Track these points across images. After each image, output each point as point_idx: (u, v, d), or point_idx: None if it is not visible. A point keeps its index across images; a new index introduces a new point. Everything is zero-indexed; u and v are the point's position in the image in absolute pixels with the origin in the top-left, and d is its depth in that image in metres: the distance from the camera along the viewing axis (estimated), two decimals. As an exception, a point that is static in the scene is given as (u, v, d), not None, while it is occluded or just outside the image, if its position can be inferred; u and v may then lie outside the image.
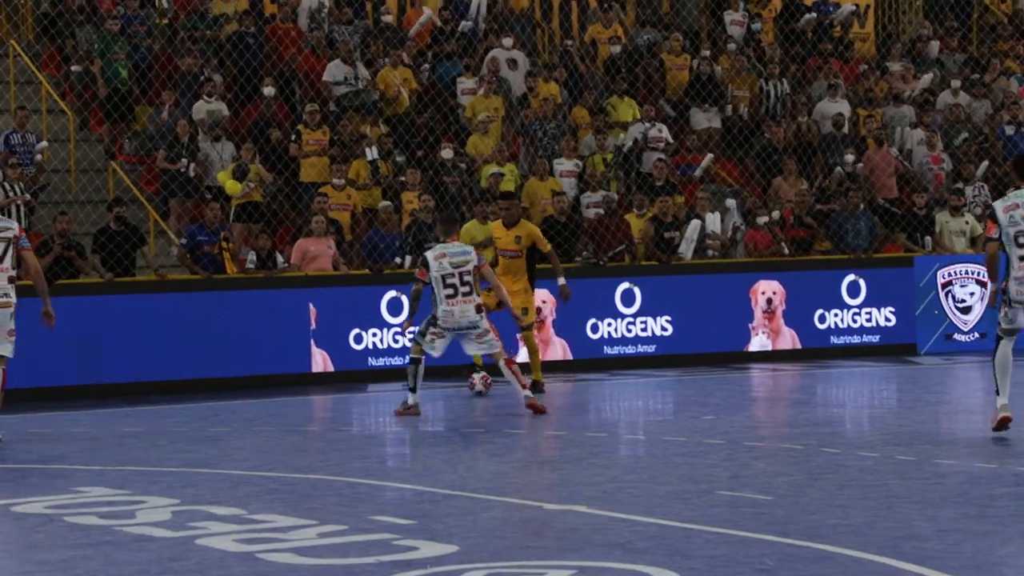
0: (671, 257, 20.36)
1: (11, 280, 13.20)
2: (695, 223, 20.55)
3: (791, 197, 21.63)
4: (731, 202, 21.75)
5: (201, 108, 20.90)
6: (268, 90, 21.37)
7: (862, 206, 21.52)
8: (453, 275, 14.76)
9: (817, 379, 18.50)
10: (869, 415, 15.19)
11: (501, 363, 14.89)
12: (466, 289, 14.79)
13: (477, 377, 16.67)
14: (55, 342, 17.27)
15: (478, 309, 14.84)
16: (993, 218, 12.29)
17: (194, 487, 10.60)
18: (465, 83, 22.74)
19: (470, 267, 14.84)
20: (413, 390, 14.81)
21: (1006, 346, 12.40)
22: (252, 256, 19.01)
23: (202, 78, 21.23)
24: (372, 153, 20.37)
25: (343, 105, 21.69)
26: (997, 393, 12.41)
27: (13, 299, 13.09)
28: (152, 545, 8.55)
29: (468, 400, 16.42)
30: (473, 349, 15.22)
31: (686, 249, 20.44)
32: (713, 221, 21.00)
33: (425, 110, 22.10)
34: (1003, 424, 12.38)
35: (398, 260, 19.39)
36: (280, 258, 19.17)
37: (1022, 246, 12.19)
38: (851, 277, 20.59)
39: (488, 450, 12.49)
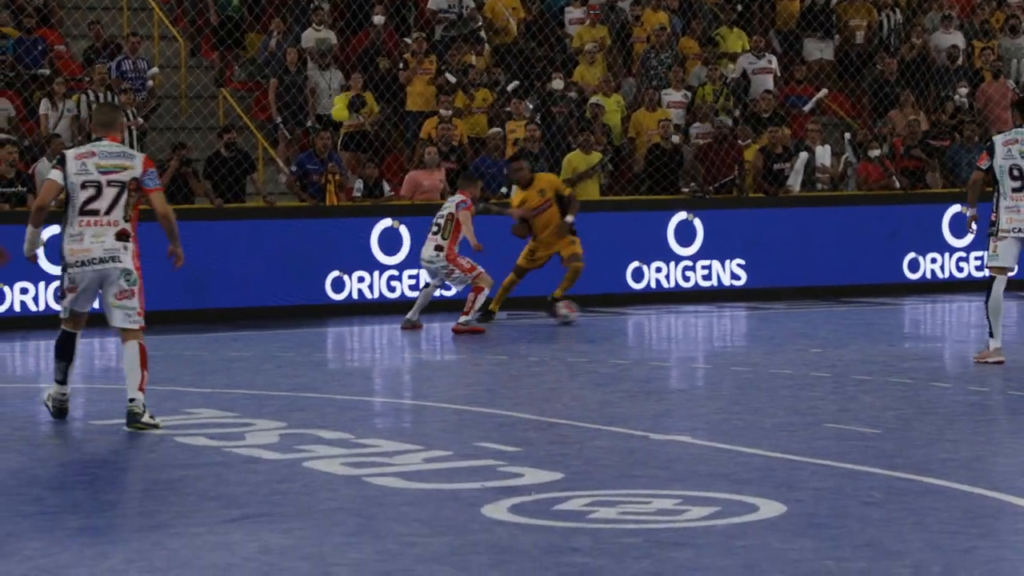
0: (779, 189, 20.18)
1: (122, 236, 10.17)
2: (804, 155, 20.34)
3: (902, 129, 21.33)
4: (846, 135, 21.49)
5: (310, 36, 20.96)
6: (378, 18, 21.37)
7: (976, 139, 21.17)
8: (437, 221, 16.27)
9: (926, 313, 18.29)
10: (978, 351, 14.99)
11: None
12: (434, 230, 16.28)
13: (561, 306, 16.70)
14: (164, 267, 17.47)
15: (436, 248, 16.19)
16: (990, 150, 12.70)
17: (301, 411, 10.71)
18: (573, 12, 22.60)
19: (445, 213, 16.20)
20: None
21: (998, 287, 12.62)
22: (359, 184, 19.09)
23: (312, 6, 21.28)
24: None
25: (449, 35, 21.65)
26: (991, 335, 12.66)
27: (125, 262, 10.12)
28: (261, 467, 8.65)
29: (568, 330, 16.42)
30: (455, 288, 16.95)
31: (794, 181, 20.25)
32: (823, 154, 20.77)
33: (533, 39, 22.00)
34: (992, 362, 12.67)
35: (503, 190, 19.37)
36: (387, 187, 19.23)
37: (1016, 179, 12.54)
38: (957, 208, 20.27)
39: (593, 379, 12.49)
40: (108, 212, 10.06)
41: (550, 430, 9.87)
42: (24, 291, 17.21)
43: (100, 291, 10.15)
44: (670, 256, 19.41)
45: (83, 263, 10.05)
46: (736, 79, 21.93)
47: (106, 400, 11.36)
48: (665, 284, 19.35)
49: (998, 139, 12.83)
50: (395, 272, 18.45)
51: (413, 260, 18.09)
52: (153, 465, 8.80)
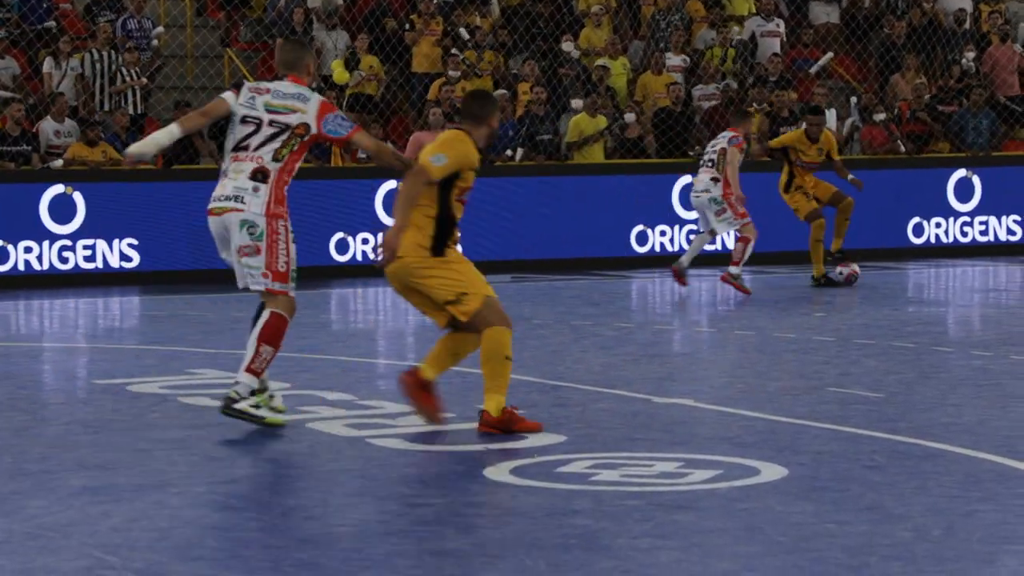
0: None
1: (258, 175, 8.59)
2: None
3: (908, 94, 21.27)
4: (852, 99, 21.43)
5: (317, -4, 20.91)
6: (383, -22, 21.32)
7: (983, 103, 21.12)
8: None
9: (930, 277, 18.28)
10: (982, 315, 15.00)
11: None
12: (708, 164, 16.06)
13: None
14: (169, 226, 17.51)
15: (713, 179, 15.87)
16: None
17: (306, 372, 10.72)
18: (580, -26, 22.54)
19: None
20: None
21: None
22: (364, 147, 19.04)
23: (318, -34, 21.23)
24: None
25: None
26: None
27: (250, 208, 8.51)
28: (263, 427, 8.66)
29: (572, 293, 16.42)
30: (720, 230, 16.48)
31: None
32: (830, 118, 20.70)
33: (540, 2, 21.93)
34: None
35: (508, 152, 19.34)
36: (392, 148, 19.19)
37: None
38: (963, 173, 20.20)
39: (597, 343, 12.49)
40: (257, 149, 8.57)
41: (553, 393, 9.89)
42: (28, 250, 17.23)
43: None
44: (675, 220, 19.38)
45: (212, 203, 8.65)
46: (744, 42, 21.85)
47: (108, 359, 11.37)
48: (670, 247, 19.33)
49: None
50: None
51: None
52: (156, 424, 8.82)
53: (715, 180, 15.99)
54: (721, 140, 16.20)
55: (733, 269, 15.96)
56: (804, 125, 17.04)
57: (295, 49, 8.94)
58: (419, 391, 8.51)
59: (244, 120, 8.69)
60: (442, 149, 8.45)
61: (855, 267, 16.71)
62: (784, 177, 16.83)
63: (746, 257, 16.01)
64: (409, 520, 6.61)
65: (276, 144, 8.57)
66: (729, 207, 15.98)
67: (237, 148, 8.66)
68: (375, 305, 16.55)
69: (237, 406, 8.41)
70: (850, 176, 16.80)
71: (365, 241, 18.29)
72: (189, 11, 21.48)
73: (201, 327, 13.61)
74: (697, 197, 16.21)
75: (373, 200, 18.36)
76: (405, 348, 12.94)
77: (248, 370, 8.46)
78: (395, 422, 8.77)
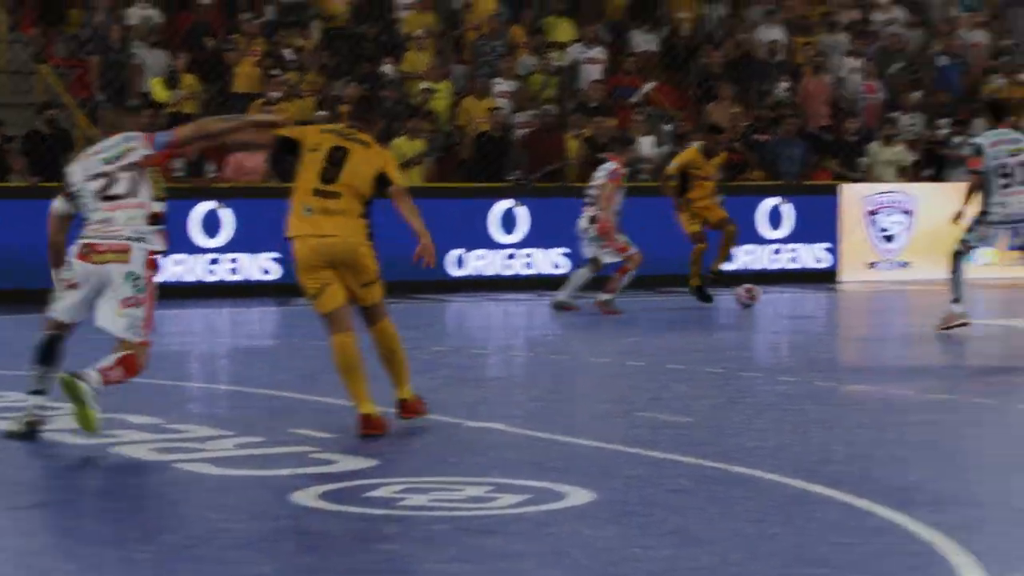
0: (603, 179, 20.31)
1: (150, 219, 8.98)
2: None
3: (724, 123, 21.63)
4: (667, 127, 21.74)
5: (135, 13, 20.62)
6: (204, -3, 21.13)
7: (795, 133, 21.58)
8: None
9: (738, 304, 18.57)
10: (790, 341, 15.30)
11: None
12: (588, 200, 16.42)
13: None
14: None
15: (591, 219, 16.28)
16: (979, 153, 14.10)
17: (111, 395, 10.52)
18: (404, -3, 22.56)
19: None
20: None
21: (964, 262, 14.29)
22: (179, 164, 18.83)
23: (137, -17, 20.95)
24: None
25: (279, 19, 21.47)
26: (956, 301, 14.15)
27: (136, 254, 8.79)
28: (66, 451, 8.51)
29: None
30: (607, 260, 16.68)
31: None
32: (647, 144, 21.00)
33: (363, 23, 21.91)
34: (956, 325, 14.11)
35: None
36: (209, 167, 19.01)
37: (1004, 176, 13.99)
38: (776, 202, 20.62)
39: (412, 366, 12.42)
40: (128, 196, 8.95)
41: (366, 416, 9.83)
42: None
43: None
44: (493, 244, 19.47)
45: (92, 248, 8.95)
46: (565, 68, 22.06)
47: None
48: (487, 272, 19.41)
49: (984, 141, 14.23)
50: (216, 256, 18.26)
51: (236, 243, 17.92)
52: (-44, 449, 8.61)
53: (593, 220, 16.31)
54: (601, 174, 16.42)
55: (604, 296, 16.27)
56: (696, 144, 17.60)
57: (118, 113, 10.04)
58: (412, 412, 9.37)
59: (96, 177, 9.03)
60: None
61: (755, 289, 17.35)
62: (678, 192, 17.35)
63: (621, 286, 16.34)
64: (214, 546, 6.53)
65: (140, 186, 8.94)
66: (608, 242, 16.30)
67: (107, 199, 8.94)
68: (189, 327, 16.35)
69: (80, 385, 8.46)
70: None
71: (179, 263, 18.06)
72: (2, 26, 21.04)
73: (8, 348, 13.31)
74: (582, 234, 16.54)
75: (186, 222, 18.14)
76: (217, 370, 12.81)
77: (102, 370, 8.65)
78: (203, 446, 8.67)
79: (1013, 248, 14.39)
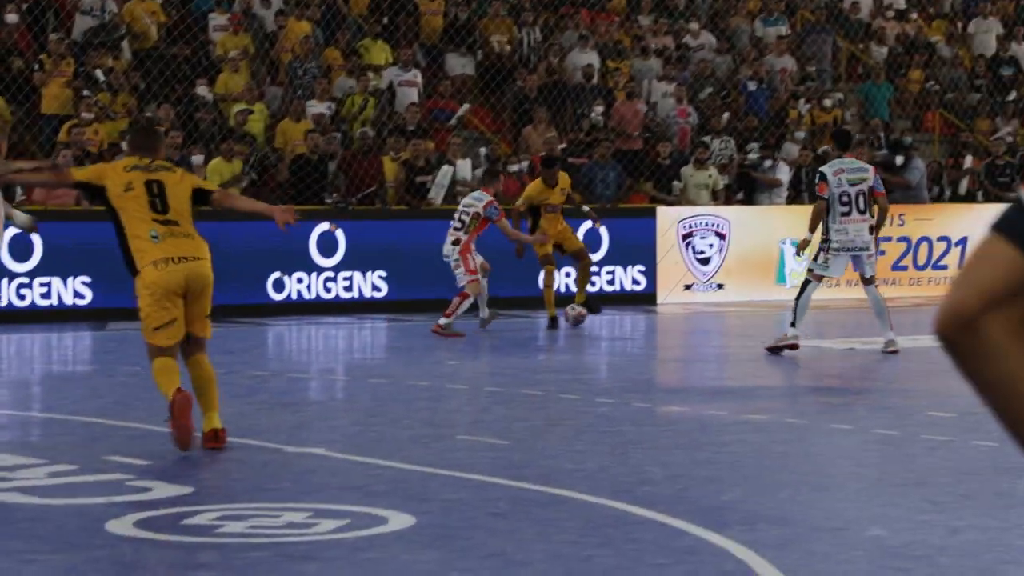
0: (421, 202, 20.39)
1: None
2: (446, 168, 20.61)
3: (540, 146, 21.83)
4: (483, 150, 21.86)
5: (-61, 33, 20.16)
6: (11, 17, 20.71)
7: (610, 157, 21.86)
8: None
9: (567, 326, 18.72)
10: (608, 362, 15.47)
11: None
12: (456, 225, 16.99)
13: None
14: None
15: (454, 243, 16.86)
16: (824, 181, 14.57)
17: (-80, 425, 10.27)
18: (217, 19, 22.37)
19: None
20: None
21: (812, 289, 14.66)
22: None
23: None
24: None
25: (88, 39, 21.13)
26: (793, 325, 14.49)
27: None
28: None
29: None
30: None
31: (436, 194, 20.49)
32: (464, 167, 21.09)
33: (175, 44, 21.68)
34: (786, 348, 14.54)
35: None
36: (19, 190, 18.62)
37: (844, 204, 14.47)
38: (591, 225, 20.84)
39: (230, 391, 12.33)
40: None
41: (182, 443, 9.71)
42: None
43: None
44: (312, 267, 19.38)
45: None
46: (382, 91, 22.07)
47: None
48: (306, 295, 19.31)
49: (828, 170, 14.71)
50: (26, 280, 17.90)
51: (46, 268, 17.58)
52: None
53: (456, 243, 16.78)
54: (476, 203, 16.84)
55: (443, 320, 16.48)
56: (539, 175, 18.13)
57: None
58: (222, 442, 9.25)
59: None
60: None
61: (582, 309, 17.77)
62: (530, 223, 17.81)
63: (459, 312, 16.52)
64: (26, 578, 6.40)
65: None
66: (464, 263, 16.73)
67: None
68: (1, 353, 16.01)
69: None
70: (585, 208, 18.42)
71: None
72: None
73: None
74: (446, 259, 16.96)
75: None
76: (29, 397, 12.54)
77: None
78: (13, 475, 8.49)
79: (863, 277, 14.80)
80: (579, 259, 18.19)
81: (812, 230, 14.75)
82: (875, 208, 14.73)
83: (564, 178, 17.98)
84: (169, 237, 9.15)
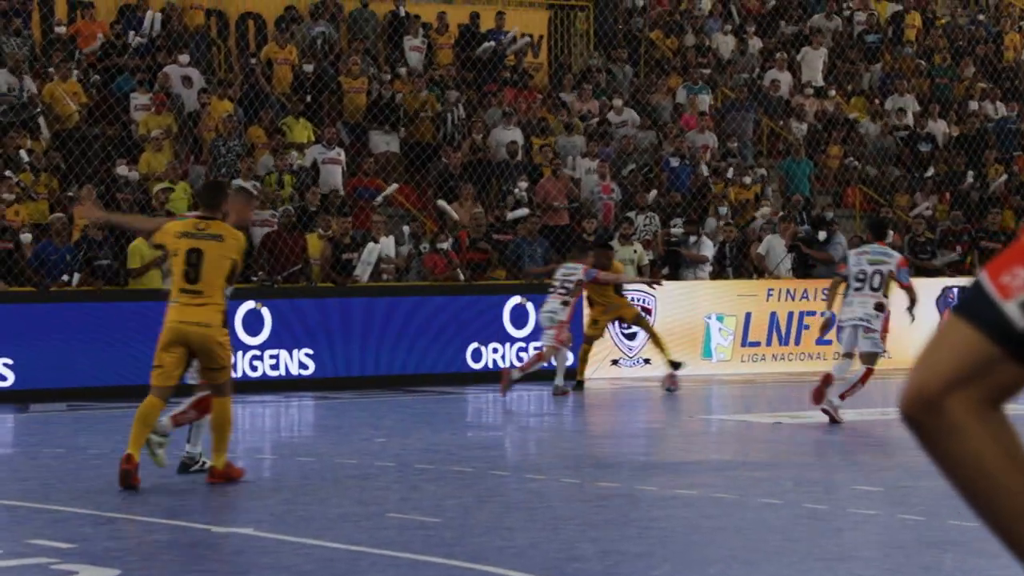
0: (347, 279, 20.35)
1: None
2: (371, 246, 20.60)
3: (466, 222, 21.88)
4: (406, 227, 21.88)
5: None
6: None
7: (536, 232, 21.93)
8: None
9: (485, 403, 18.71)
10: (537, 439, 15.46)
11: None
12: (563, 291, 18.73)
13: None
14: None
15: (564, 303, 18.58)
16: (845, 261, 15.74)
17: None
18: (139, 98, 22.31)
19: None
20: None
21: (838, 368, 15.33)
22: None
23: None
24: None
25: (7, 120, 21.01)
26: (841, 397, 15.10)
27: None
28: None
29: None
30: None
31: (362, 271, 20.47)
32: (388, 244, 21.09)
33: (97, 124, 21.59)
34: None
35: (65, 277, 18.85)
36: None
37: (858, 281, 15.22)
38: (518, 300, 20.88)
39: (155, 472, 12.22)
40: None
41: (108, 525, 9.60)
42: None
43: None
44: (238, 345, 19.25)
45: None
46: (306, 169, 22.06)
47: None
48: (233, 374, 19.11)
49: (851, 253, 15.99)
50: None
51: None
52: None
53: (565, 304, 18.42)
54: (575, 271, 18.54)
55: (516, 373, 18.16)
56: (598, 256, 19.11)
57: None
58: (221, 477, 11.04)
59: None
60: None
61: (672, 370, 19.10)
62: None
63: (533, 368, 18.36)
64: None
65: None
66: (560, 329, 18.36)
67: None
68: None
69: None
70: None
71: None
72: None
73: None
74: (551, 315, 18.44)
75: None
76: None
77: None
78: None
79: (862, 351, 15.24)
80: (640, 325, 19.73)
81: (829, 307, 15.73)
82: (888, 289, 15.33)
83: (617, 267, 19.58)
84: (188, 306, 10.83)
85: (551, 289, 18.65)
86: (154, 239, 11.38)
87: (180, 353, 10.92)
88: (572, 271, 18.62)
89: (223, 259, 10.89)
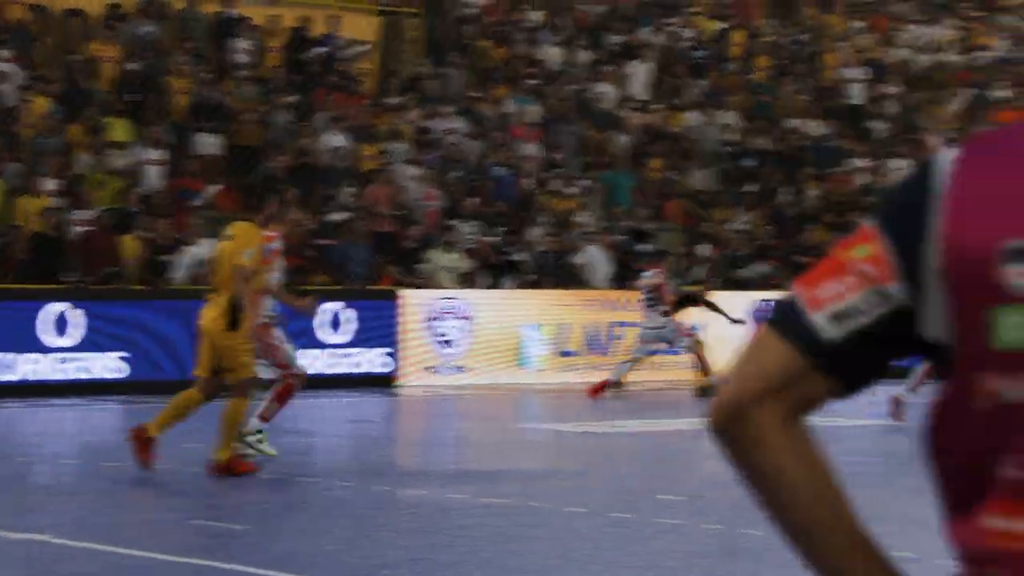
0: (162, 281, 20.01)
1: None
2: (190, 248, 20.29)
3: (289, 227, 21.64)
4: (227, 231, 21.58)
5: None
6: None
7: (362, 238, 21.81)
8: None
9: (298, 408, 18.48)
10: (348, 445, 15.33)
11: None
12: (650, 303, 19.83)
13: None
14: None
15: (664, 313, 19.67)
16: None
17: None
18: (-46, 93, 21.74)
19: None
20: None
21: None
22: None
23: None
24: None
25: None
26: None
27: None
28: None
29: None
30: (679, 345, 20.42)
31: (179, 274, 20.15)
32: (206, 247, 20.78)
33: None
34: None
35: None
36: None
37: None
38: (339, 306, 20.73)
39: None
40: None
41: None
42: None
43: None
44: (45, 348, 18.81)
45: None
46: (127, 169, 21.66)
47: None
48: (39, 376, 18.72)
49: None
50: None
51: None
52: None
53: (666, 314, 19.23)
54: (648, 276, 19.39)
55: (703, 379, 19.22)
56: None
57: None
58: (224, 471, 11.35)
59: None
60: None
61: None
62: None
63: (703, 359, 19.59)
64: None
65: None
66: (679, 327, 19.50)
67: None
68: None
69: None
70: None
71: None
72: None
73: None
74: (658, 330, 19.34)
75: None
76: None
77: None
78: None
79: None
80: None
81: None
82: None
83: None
84: (206, 304, 11.66)
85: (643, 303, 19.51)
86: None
87: (207, 346, 11.74)
88: (650, 278, 19.40)
89: (228, 259, 11.68)
